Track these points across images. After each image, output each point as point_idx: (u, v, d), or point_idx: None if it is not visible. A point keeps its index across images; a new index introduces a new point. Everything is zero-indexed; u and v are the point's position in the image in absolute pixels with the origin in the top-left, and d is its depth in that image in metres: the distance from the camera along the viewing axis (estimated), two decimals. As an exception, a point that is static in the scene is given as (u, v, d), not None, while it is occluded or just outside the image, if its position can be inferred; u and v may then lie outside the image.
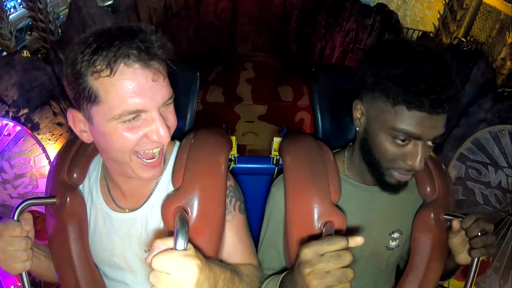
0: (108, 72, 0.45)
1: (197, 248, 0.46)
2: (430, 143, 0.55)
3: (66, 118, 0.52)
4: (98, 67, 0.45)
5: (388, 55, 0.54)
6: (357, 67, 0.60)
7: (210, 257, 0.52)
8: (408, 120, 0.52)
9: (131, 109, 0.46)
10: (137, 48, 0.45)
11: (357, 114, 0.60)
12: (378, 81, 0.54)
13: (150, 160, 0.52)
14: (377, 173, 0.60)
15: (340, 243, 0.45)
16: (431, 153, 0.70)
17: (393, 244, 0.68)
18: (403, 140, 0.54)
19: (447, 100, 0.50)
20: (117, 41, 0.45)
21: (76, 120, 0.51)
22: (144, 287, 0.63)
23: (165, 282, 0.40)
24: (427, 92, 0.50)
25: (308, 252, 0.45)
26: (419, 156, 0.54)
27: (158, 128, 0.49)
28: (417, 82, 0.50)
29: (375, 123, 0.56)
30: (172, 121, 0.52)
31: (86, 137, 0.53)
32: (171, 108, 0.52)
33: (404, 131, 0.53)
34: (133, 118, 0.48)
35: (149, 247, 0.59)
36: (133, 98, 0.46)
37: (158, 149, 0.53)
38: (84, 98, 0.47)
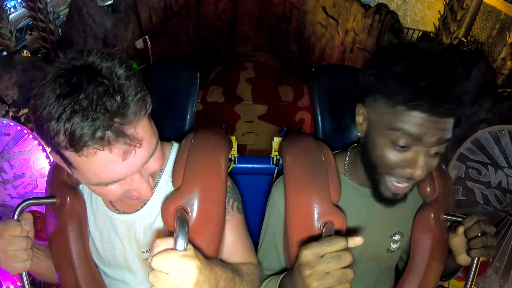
0: (73, 149, 0.40)
1: (197, 248, 0.46)
2: (433, 151, 0.51)
3: None
4: (63, 143, 0.39)
5: (389, 54, 0.52)
6: (360, 70, 0.58)
7: (211, 257, 0.53)
8: (408, 120, 0.49)
9: (106, 181, 0.44)
10: (103, 128, 0.38)
11: (359, 119, 0.57)
12: (378, 81, 0.52)
13: (136, 200, 0.52)
14: (373, 180, 0.57)
15: (339, 243, 0.45)
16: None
17: (394, 246, 0.67)
18: (403, 146, 0.51)
19: (450, 101, 0.47)
20: (81, 112, 0.37)
21: (61, 164, 0.47)
22: (144, 286, 0.63)
23: (164, 282, 0.40)
24: (427, 90, 0.47)
25: (308, 254, 0.45)
26: (419, 164, 0.50)
27: (138, 187, 0.47)
28: (417, 79, 0.47)
29: (376, 126, 0.54)
30: (155, 167, 0.49)
31: (75, 177, 0.48)
32: (155, 155, 0.48)
33: (403, 131, 0.49)
34: (110, 184, 0.45)
35: (149, 247, 0.60)
36: (105, 174, 0.43)
37: None
38: (60, 157, 0.44)
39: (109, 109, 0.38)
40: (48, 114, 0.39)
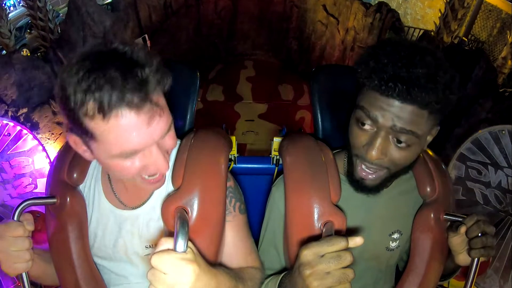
0: (101, 117, 0.43)
1: (197, 248, 0.46)
2: (396, 138, 0.52)
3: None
4: (90, 111, 0.42)
5: (371, 47, 0.54)
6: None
7: (215, 264, 0.53)
8: (369, 99, 0.52)
9: (128, 150, 0.46)
10: (131, 92, 0.42)
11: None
12: (357, 67, 0.54)
13: (153, 177, 0.52)
14: (349, 164, 0.60)
15: (340, 243, 0.45)
16: (430, 152, 0.70)
17: (393, 245, 0.68)
18: (363, 124, 0.53)
19: (399, 82, 0.47)
20: (108, 82, 0.41)
21: (78, 143, 0.50)
22: (143, 280, 0.63)
23: (161, 281, 0.40)
24: (377, 69, 0.49)
25: (308, 254, 0.45)
26: (375, 145, 0.52)
27: (156, 161, 0.49)
28: (374, 61, 0.50)
29: (353, 108, 0.57)
30: (171, 144, 0.51)
31: (89, 156, 0.51)
32: (170, 132, 0.50)
33: (362, 108, 0.52)
34: (131, 155, 0.47)
35: (151, 244, 0.60)
36: (129, 141, 0.45)
37: None
38: (82, 132, 0.46)
39: (136, 77, 0.43)
40: (76, 87, 0.42)
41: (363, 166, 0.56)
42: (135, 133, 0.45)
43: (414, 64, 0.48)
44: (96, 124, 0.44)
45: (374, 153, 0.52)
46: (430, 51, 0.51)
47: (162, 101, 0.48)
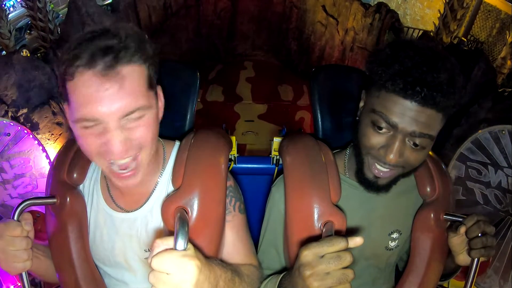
0: (70, 77, 0.45)
1: (197, 248, 0.46)
2: (412, 142, 0.53)
3: (66, 117, 0.52)
4: (63, 69, 0.45)
5: (389, 48, 0.54)
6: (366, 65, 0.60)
7: (211, 257, 0.53)
8: (387, 104, 0.52)
9: (86, 116, 0.45)
10: (91, 53, 0.43)
11: (360, 104, 0.61)
12: (371, 68, 0.55)
13: (122, 171, 0.50)
14: (359, 164, 0.59)
15: (340, 244, 0.45)
16: (430, 152, 0.70)
17: (392, 244, 0.68)
18: (379, 128, 0.53)
19: (423, 86, 0.48)
20: (80, 45, 0.44)
21: (67, 113, 0.52)
22: (144, 286, 0.63)
23: (164, 282, 0.40)
24: (401, 73, 0.49)
25: (308, 254, 0.45)
26: (393, 149, 0.53)
27: (109, 140, 0.46)
28: (399, 64, 0.50)
29: (365, 109, 0.58)
30: (142, 134, 0.48)
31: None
32: (144, 121, 0.48)
33: (381, 115, 0.52)
34: (93, 126, 0.46)
35: (149, 247, 0.60)
36: (88, 106, 0.45)
37: (127, 159, 0.49)
38: (62, 96, 0.49)
39: (105, 45, 0.45)
40: (63, 55, 0.46)
41: (378, 166, 0.56)
42: (93, 97, 0.44)
43: (438, 69, 0.49)
44: (69, 86, 0.46)
45: (392, 156, 0.53)
46: (447, 56, 0.52)
47: (130, 77, 0.46)
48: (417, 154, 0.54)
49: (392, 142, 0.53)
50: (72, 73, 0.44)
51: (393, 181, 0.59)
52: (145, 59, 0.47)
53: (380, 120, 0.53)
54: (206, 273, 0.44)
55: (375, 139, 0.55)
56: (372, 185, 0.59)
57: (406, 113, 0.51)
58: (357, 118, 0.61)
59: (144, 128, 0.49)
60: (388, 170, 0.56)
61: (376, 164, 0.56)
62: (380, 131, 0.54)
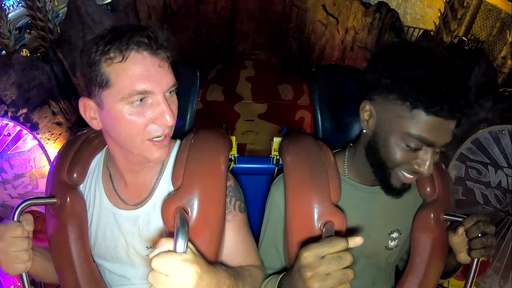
0: (120, 58, 0.50)
1: (197, 249, 0.46)
2: (438, 151, 0.55)
3: (65, 117, 0.53)
4: (112, 55, 0.50)
5: (406, 57, 0.53)
6: (366, 67, 0.59)
7: (215, 262, 0.53)
8: (424, 126, 0.52)
9: (138, 89, 0.50)
10: (147, 37, 0.50)
11: (364, 115, 0.59)
12: (396, 83, 0.53)
13: (159, 138, 0.54)
14: (382, 174, 0.59)
15: (340, 244, 0.45)
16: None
17: (392, 244, 0.68)
18: (415, 148, 0.54)
19: (465, 106, 0.51)
20: (128, 32, 0.50)
21: (87, 107, 0.54)
22: (144, 281, 0.63)
23: (163, 283, 0.40)
24: (447, 97, 0.50)
25: (308, 255, 0.45)
26: (428, 163, 0.54)
27: (163, 111, 0.52)
28: (438, 86, 0.50)
29: (387, 126, 0.55)
30: (175, 110, 0.55)
31: (95, 124, 0.55)
32: (174, 97, 0.56)
33: (419, 137, 0.52)
34: (140, 101, 0.51)
35: (151, 244, 0.60)
36: (141, 80, 0.50)
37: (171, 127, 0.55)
38: (96, 84, 0.51)
39: (149, 34, 0.51)
40: (99, 41, 0.50)
41: (407, 175, 0.57)
42: (146, 72, 0.50)
43: (462, 84, 0.51)
44: (113, 69, 0.50)
45: (429, 170, 0.54)
46: (460, 63, 0.54)
47: (168, 60, 0.54)
48: (438, 155, 0.56)
49: (427, 157, 0.54)
50: (125, 55, 0.49)
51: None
52: (172, 50, 0.55)
53: (419, 143, 0.53)
54: (207, 279, 0.44)
55: (407, 156, 0.55)
56: (399, 192, 0.59)
57: (438, 129, 0.52)
58: (364, 130, 0.60)
59: (175, 106, 0.56)
60: (414, 176, 0.57)
61: (406, 174, 0.57)
62: (412, 148, 0.54)
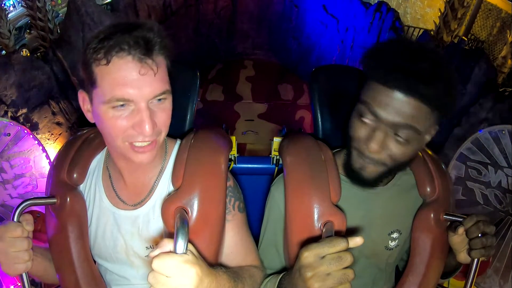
0: (104, 61, 0.49)
1: (197, 249, 0.46)
2: (394, 132, 0.53)
3: (65, 117, 0.53)
4: (98, 56, 0.49)
5: (379, 43, 0.55)
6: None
7: (215, 265, 0.53)
8: (374, 93, 0.52)
9: (117, 96, 0.49)
10: (133, 42, 0.48)
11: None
12: (362, 62, 0.56)
13: (140, 144, 0.52)
14: (348, 159, 0.60)
15: (340, 244, 0.45)
16: (430, 152, 0.70)
17: (392, 244, 0.68)
18: (361, 115, 0.54)
19: (411, 78, 0.48)
20: (118, 34, 0.49)
21: (84, 100, 0.55)
22: (144, 281, 0.63)
23: (163, 284, 0.40)
24: (402, 70, 0.49)
25: (309, 256, 0.45)
26: (374, 138, 0.53)
27: (142, 120, 0.50)
28: (395, 58, 0.50)
29: (356, 102, 0.58)
30: (163, 119, 0.53)
31: (90, 117, 0.56)
32: (164, 105, 0.53)
33: (366, 104, 0.53)
34: (122, 106, 0.50)
35: (151, 244, 0.60)
36: (122, 87, 0.49)
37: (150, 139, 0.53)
38: (88, 81, 0.52)
39: (141, 35, 0.49)
40: (94, 39, 0.50)
41: (361, 160, 0.57)
42: (129, 80, 0.49)
43: (419, 58, 0.50)
44: (99, 70, 0.49)
45: (373, 145, 0.53)
46: (433, 49, 0.53)
47: (162, 67, 0.52)
48: (401, 148, 0.54)
49: (374, 132, 0.53)
50: (109, 58, 0.48)
51: (379, 177, 0.59)
52: (167, 52, 0.53)
53: (366, 110, 0.53)
54: (208, 281, 0.44)
55: (360, 130, 0.55)
56: (356, 178, 0.59)
57: (390, 104, 0.51)
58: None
59: (165, 114, 0.54)
60: (372, 166, 0.56)
61: (360, 159, 0.57)
62: (365, 121, 0.54)
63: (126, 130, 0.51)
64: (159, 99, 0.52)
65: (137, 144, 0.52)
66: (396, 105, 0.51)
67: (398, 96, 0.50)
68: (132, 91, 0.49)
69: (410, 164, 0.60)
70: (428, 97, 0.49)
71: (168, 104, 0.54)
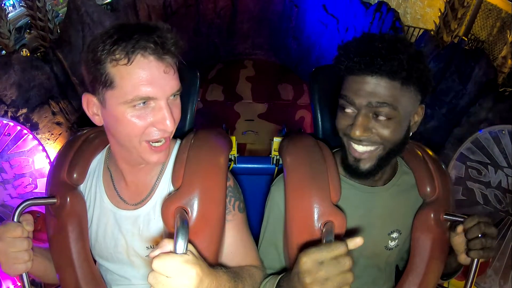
0: (125, 61, 0.49)
1: (197, 249, 0.46)
2: (374, 115, 0.56)
3: (65, 117, 0.53)
4: (117, 56, 0.49)
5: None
6: None
7: (215, 265, 0.53)
8: (347, 85, 0.57)
9: (142, 95, 0.50)
10: (154, 42, 0.50)
11: None
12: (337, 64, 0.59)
13: (157, 144, 0.54)
14: (343, 150, 0.62)
15: (339, 249, 0.45)
16: (430, 152, 0.70)
17: (392, 244, 0.68)
18: (344, 108, 0.58)
19: (368, 57, 0.52)
20: (136, 34, 0.49)
21: (90, 103, 0.55)
22: (145, 281, 0.63)
23: (163, 285, 0.40)
24: (359, 54, 0.53)
25: (307, 261, 0.45)
26: (356, 123, 0.56)
27: (164, 116, 0.52)
28: (354, 49, 0.54)
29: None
30: (177, 114, 0.56)
31: (97, 120, 0.56)
32: (178, 101, 0.56)
33: (343, 96, 0.57)
34: (143, 104, 0.51)
35: (151, 244, 0.60)
36: (145, 86, 0.50)
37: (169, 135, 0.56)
38: (100, 83, 0.51)
39: (157, 36, 0.50)
40: (106, 40, 0.49)
41: (354, 145, 0.59)
42: (151, 77, 0.50)
43: (374, 40, 0.54)
44: (118, 70, 0.50)
45: (356, 130, 0.56)
46: (390, 35, 0.56)
47: (175, 67, 0.54)
48: (387, 126, 0.56)
49: (356, 119, 0.56)
50: (131, 58, 0.49)
51: (376, 165, 0.60)
52: (179, 52, 0.55)
53: (344, 102, 0.57)
54: (208, 281, 0.44)
55: (343, 120, 0.59)
56: (353, 170, 0.60)
57: (361, 88, 0.54)
58: None
59: (178, 109, 0.56)
60: (364, 147, 0.58)
61: (352, 144, 0.59)
62: (346, 112, 0.57)
63: (146, 128, 0.52)
64: (174, 95, 0.54)
65: (155, 144, 0.54)
66: (366, 88, 0.54)
67: (366, 79, 0.54)
68: (156, 89, 0.50)
69: (403, 148, 0.61)
70: (390, 71, 0.52)
71: (179, 100, 0.57)
